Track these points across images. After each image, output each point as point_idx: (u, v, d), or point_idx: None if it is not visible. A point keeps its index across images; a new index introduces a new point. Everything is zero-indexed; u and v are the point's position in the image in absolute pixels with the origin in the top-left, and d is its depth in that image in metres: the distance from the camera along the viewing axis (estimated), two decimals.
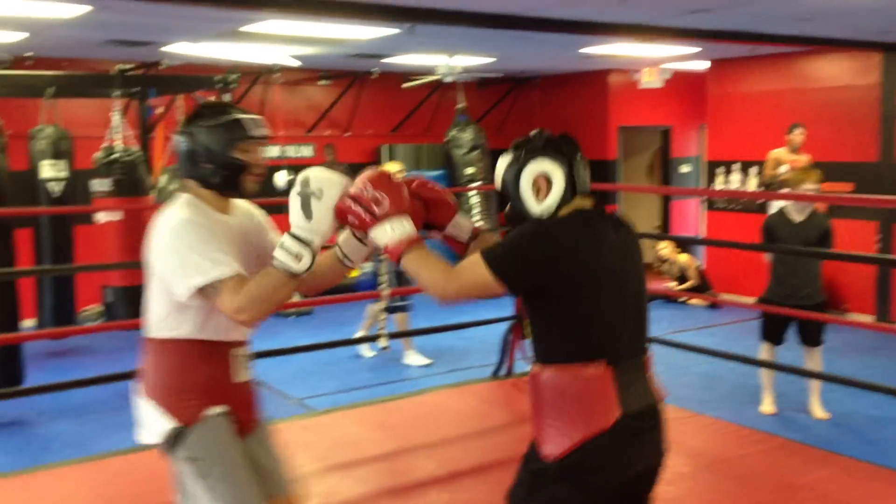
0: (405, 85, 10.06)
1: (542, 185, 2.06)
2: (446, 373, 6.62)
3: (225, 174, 2.27)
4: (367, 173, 2.13)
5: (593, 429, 1.94)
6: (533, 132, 2.15)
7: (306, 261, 2.11)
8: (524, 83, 11.57)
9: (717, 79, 9.85)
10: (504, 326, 5.58)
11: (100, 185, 6.54)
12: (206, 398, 2.25)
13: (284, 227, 2.21)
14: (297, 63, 8.53)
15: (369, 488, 3.79)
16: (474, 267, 1.98)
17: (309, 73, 10.04)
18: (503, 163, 2.15)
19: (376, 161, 10.70)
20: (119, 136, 6.72)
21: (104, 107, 7.79)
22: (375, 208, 2.05)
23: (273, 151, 9.89)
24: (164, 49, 7.44)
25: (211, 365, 2.27)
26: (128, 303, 6.50)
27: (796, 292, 5.33)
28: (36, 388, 4.94)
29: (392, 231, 2.04)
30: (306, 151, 10.42)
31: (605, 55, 8.88)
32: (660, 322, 8.38)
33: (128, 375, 6.22)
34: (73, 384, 4.59)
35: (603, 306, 1.98)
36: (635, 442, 1.99)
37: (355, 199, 2.08)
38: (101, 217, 6.53)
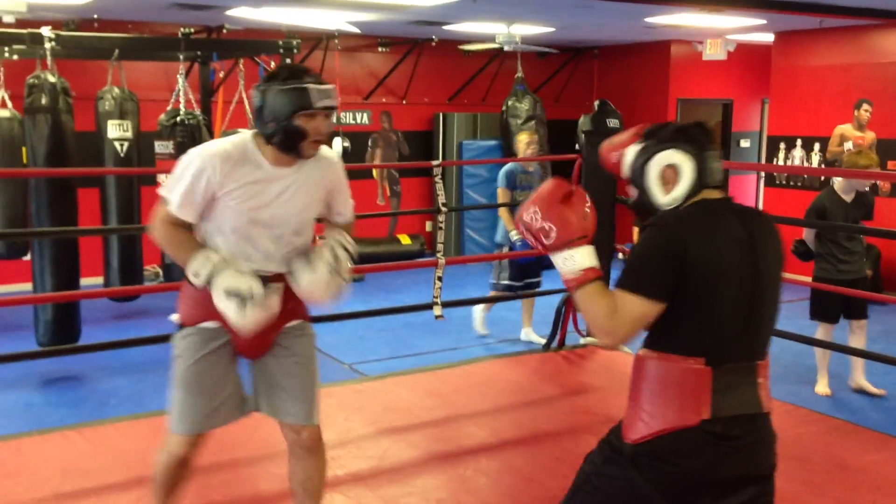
0: (464, 47, 9.99)
1: (670, 176, 2.01)
2: (498, 342, 6.64)
3: (284, 137, 2.42)
4: (540, 192, 2.03)
5: (675, 423, 1.92)
6: (665, 123, 2.08)
7: (201, 280, 2.43)
8: (583, 54, 11.43)
9: (782, 51, 9.61)
10: (557, 299, 5.58)
11: (163, 147, 6.65)
12: (204, 312, 2.53)
13: None
14: (356, 30, 8.54)
15: (420, 453, 3.84)
16: (624, 303, 1.91)
17: (368, 40, 10.04)
18: (632, 151, 2.09)
19: (433, 130, 10.69)
20: (182, 99, 6.82)
21: (168, 70, 7.92)
22: (544, 240, 1.99)
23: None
24: (226, 13, 7.50)
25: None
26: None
27: (848, 269, 5.30)
28: (96, 346, 5.08)
29: (564, 264, 1.98)
30: (363, 118, 10.46)
31: (669, 25, 8.71)
32: None
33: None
34: (131, 342, 4.72)
35: (717, 304, 1.92)
36: (720, 448, 1.93)
37: (527, 228, 2.02)
38: (163, 179, 6.64)
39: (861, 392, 5.52)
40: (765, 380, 2.02)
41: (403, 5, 7.05)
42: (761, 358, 2.01)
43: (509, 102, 10.14)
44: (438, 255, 4.66)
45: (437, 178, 4.91)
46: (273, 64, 7.09)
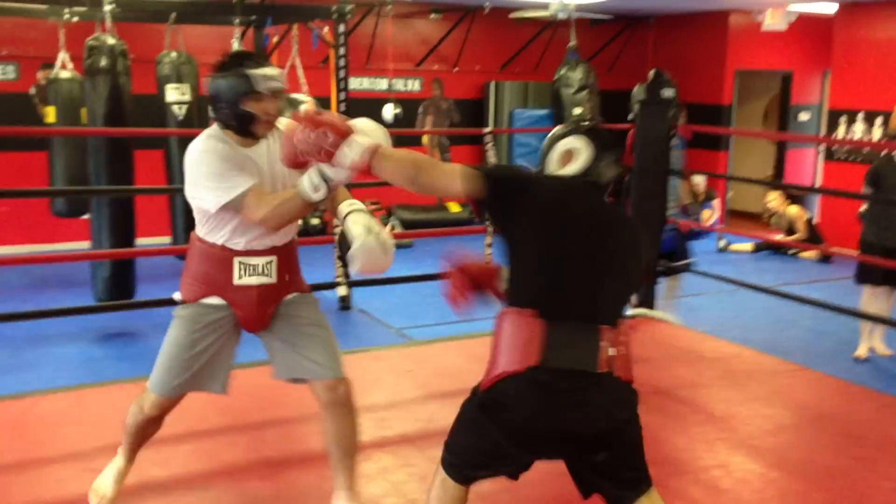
0: (514, 15, 9.90)
1: (567, 157, 2.26)
2: None
3: (236, 121, 2.55)
4: (296, 121, 2.26)
5: (507, 369, 2.08)
6: (578, 116, 2.33)
7: (322, 193, 2.39)
8: (638, 23, 11.26)
9: (845, 23, 9.36)
10: None
11: None
12: (205, 288, 2.67)
13: None
14: None
15: None
16: (458, 169, 2.19)
17: (420, 7, 10.01)
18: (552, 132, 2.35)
19: (483, 97, 10.66)
20: None
21: (224, 34, 7.98)
22: (325, 143, 2.20)
23: (381, 84, 9.97)
24: None
25: (214, 265, 2.65)
26: None
27: (890, 237, 5.39)
28: (152, 302, 5.19)
29: (350, 151, 2.19)
30: (414, 86, 10.46)
31: None
32: (766, 273, 8.19)
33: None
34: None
35: (556, 266, 2.11)
36: (549, 398, 2.06)
37: (303, 147, 2.23)
38: None
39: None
40: (611, 345, 2.10)
41: None
42: (608, 323, 2.12)
43: (562, 71, 10.04)
44: (487, 222, 4.66)
45: (489, 146, 4.90)
46: (326, 29, 7.11)
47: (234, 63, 2.56)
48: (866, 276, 5.59)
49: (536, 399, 2.07)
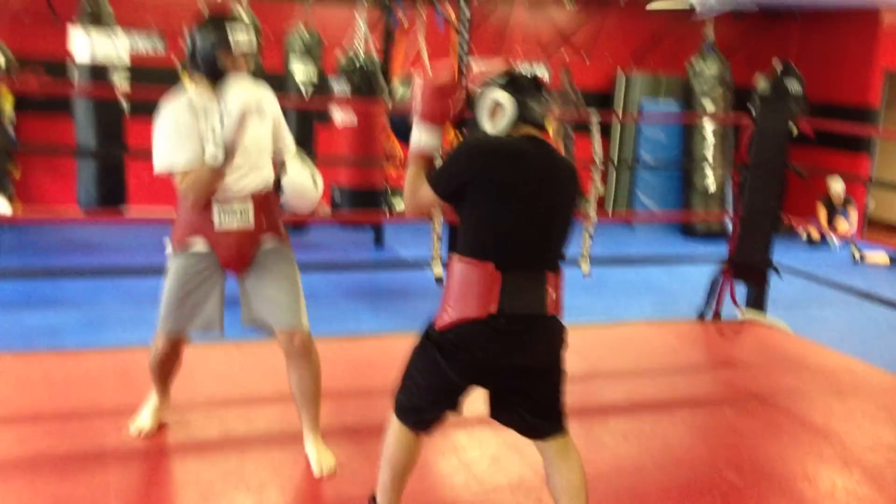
0: (651, 6, 9.65)
1: (495, 110, 2.39)
2: (652, 309, 6.49)
3: (210, 71, 2.85)
4: (431, 75, 2.48)
5: (468, 315, 2.31)
6: (506, 69, 2.46)
7: (220, 160, 2.76)
8: (781, 17, 10.76)
9: None
10: (714, 267, 5.38)
11: (340, 88, 6.91)
12: (189, 233, 2.96)
13: None
14: None
15: None
16: (425, 191, 2.41)
17: None
18: (475, 88, 2.48)
19: (611, 89, 10.47)
20: (361, 43, 7.03)
21: (354, 14, 8.16)
22: (415, 111, 2.46)
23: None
24: None
25: (198, 213, 2.92)
26: (354, 203, 6.87)
27: None
28: None
29: (415, 137, 2.45)
30: (541, 73, 10.37)
31: None
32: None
33: (345, 266, 6.66)
34: None
35: (509, 219, 2.31)
36: (504, 339, 2.31)
37: (413, 99, 2.49)
38: (338, 119, 6.91)
39: None
40: (554, 289, 2.37)
41: None
42: (551, 269, 2.37)
43: (695, 65, 9.74)
44: (591, 210, 4.60)
45: (595, 132, 4.81)
46: (452, 13, 7.16)
47: (212, 21, 2.85)
48: None
49: (495, 341, 2.31)
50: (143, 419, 3.31)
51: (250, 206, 2.96)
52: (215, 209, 2.92)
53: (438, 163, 2.46)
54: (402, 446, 2.50)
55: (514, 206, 2.31)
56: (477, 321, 2.30)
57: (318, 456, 3.09)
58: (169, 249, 3.05)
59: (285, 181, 3.01)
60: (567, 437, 2.50)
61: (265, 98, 2.98)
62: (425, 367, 2.42)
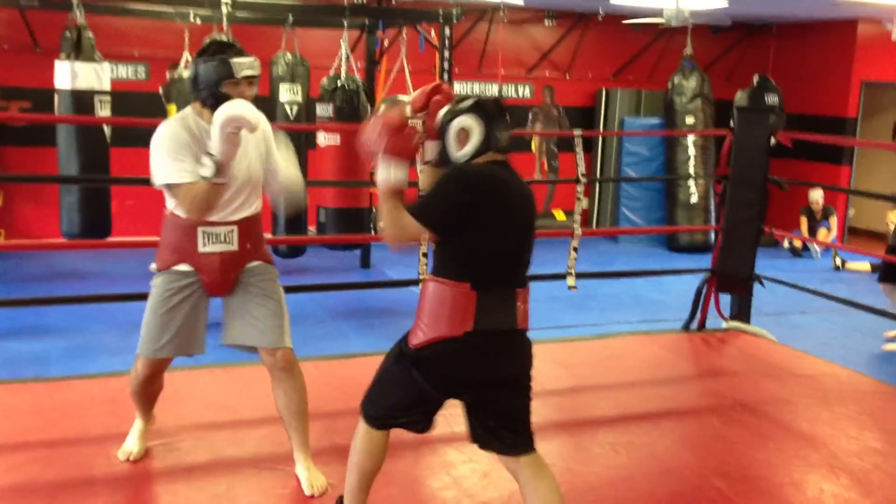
0: (628, 21, 9.75)
1: (463, 137, 2.45)
2: (639, 322, 6.53)
3: (214, 101, 2.83)
4: (380, 113, 2.47)
5: (444, 333, 2.40)
6: (467, 96, 2.51)
7: (210, 172, 2.74)
8: (758, 31, 10.91)
9: None
10: (698, 279, 5.42)
11: (323, 110, 6.94)
12: (175, 256, 2.99)
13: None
14: (520, 2, 8.53)
15: (539, 419, 3.76)
16: (409, 222, 2.42)
17: (534, 13, 10.01)
18: (441, 113, 2.51)
19: (595, 106, 10.57)
20: (344, 65, 7.07)
21: (336, 37, 8.22)
22: (376, 150, 2.45)
23: (492, 90, 10.01)
24: None
25: (182, 235, 2.96)
26: (340, 224, 6.89)
27: None
28: None
29: (384, 175, 2.44)
30: (525, 92, 10.46)
31: (858, 1, 8.14)
32: (881, 294, 7.77)
33: (334, 287, 6.66)
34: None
35: (488, 242, 2.40)
36: (481, 354, 2.42)
37: (367, 138, 2.47)
38: (322, 140, 6.93)
39: None
40: (523, 303, 2.49)
41: None
42: (521, 286, 2.49)
43: (675, 79, 9.85)
44: (575, 225, 4.63)
45: (578, 149, 4.87)
46: (433, 32, 7.23)
47: (216, 50, 2.88)
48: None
49: (472, 357, 2.42)
50: (131, 443, 3.31)
51: (235, 230, 2.99)
52: (200, 232, 2.94)
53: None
54: (368, 452, 2.60)
55: (493, 230, 2.40)
56: (453, 339, 2.40)
57: (309, 475, 3.09)
58: (153, 268, 3.09)
59: (280, 176, 3.05)
60: (539, 456, 2.57)
61: (259, 116, 2.98)
62: (401, 381, 2.51)
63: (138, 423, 3.33)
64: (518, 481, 2.57)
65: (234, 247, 2.99)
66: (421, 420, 2.58)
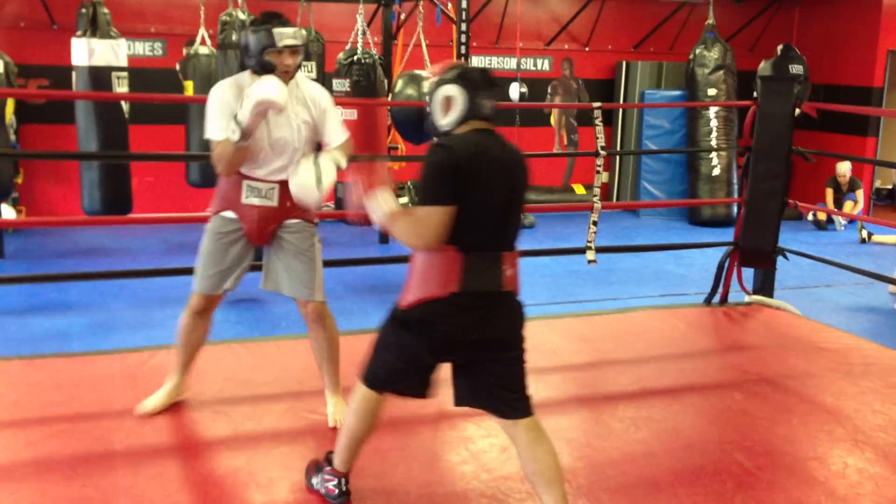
0: None
1: (447, 105, 2.53)
2: (660, 296, 6.48)
3: (259, 68, 3.12)
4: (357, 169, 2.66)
5: (431, 294, 2.49)
6: (455, 64, 2.61)
7: (237, 135, 3.00)
8: (783, 0, 10.71)
9: None
10: (720, 252, 5.36)
11: (339, 84, 6.90)
12: (223, 203, 3.28)
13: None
14: None
15: (559, 393, 3.84)
16: (428, 214, 2.45)
17: None
18: (429, 83, 2.62)
19: (615, 78, 10.44)
20: (360, 39, 7.01)
21: (354, 11, 8.16)
22: (359, 191, 2.59)
23: (510, 64, 9.93)
24: None
25: (231, 186, 3.24)
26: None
27: None
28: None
29: (375, 207, 2.56)
30: (543, 65, 10.35)
31: None
32: None
33: (353, 262, 6.66)
34: None
35: (475, 207, 2.45)
36: (468, 314, 2.49)
37: (349, 187, 2.62)
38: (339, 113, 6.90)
39: None
40: (511, 266, 2.55)
41: None
42: (508, 249, 2.56)
43: (697, 51, 9.71)
44: (595, 199, 4.58)
45: (598, 122, 4.80)
46: (450, 6, 7.14)
47: (262, 21, 3.10)
48: None
49: (459, 316, 2.50)
50: (153, 398, 3.47)
51: (276, 188, 3.22)
52: (244, 185, 3.22)
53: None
54: (361, 413, 2.68)
55: (478, 198, 2.46)
56: (440, 299, 2.49)
57: (334, 409, 3.39)
58: (209, 211, 3.36)
59: (290, 179, 3.17)
60: (537, 420, 2.62)
61: (306, 96, 3.22)
62: (392, 342, 2.61)
63: (172, 379, 3.51)
64: (516, 446, 2.62)
65: (274, 203, 3.23)
66: (416, 384, 2.65)
